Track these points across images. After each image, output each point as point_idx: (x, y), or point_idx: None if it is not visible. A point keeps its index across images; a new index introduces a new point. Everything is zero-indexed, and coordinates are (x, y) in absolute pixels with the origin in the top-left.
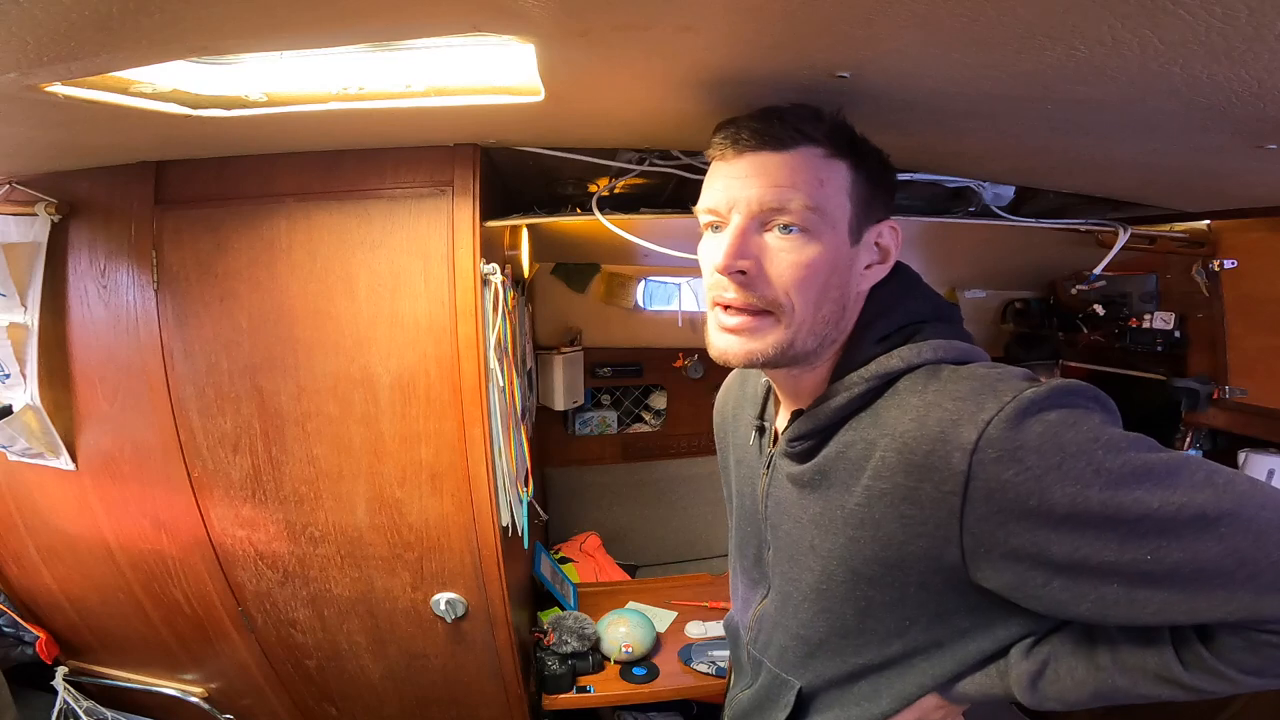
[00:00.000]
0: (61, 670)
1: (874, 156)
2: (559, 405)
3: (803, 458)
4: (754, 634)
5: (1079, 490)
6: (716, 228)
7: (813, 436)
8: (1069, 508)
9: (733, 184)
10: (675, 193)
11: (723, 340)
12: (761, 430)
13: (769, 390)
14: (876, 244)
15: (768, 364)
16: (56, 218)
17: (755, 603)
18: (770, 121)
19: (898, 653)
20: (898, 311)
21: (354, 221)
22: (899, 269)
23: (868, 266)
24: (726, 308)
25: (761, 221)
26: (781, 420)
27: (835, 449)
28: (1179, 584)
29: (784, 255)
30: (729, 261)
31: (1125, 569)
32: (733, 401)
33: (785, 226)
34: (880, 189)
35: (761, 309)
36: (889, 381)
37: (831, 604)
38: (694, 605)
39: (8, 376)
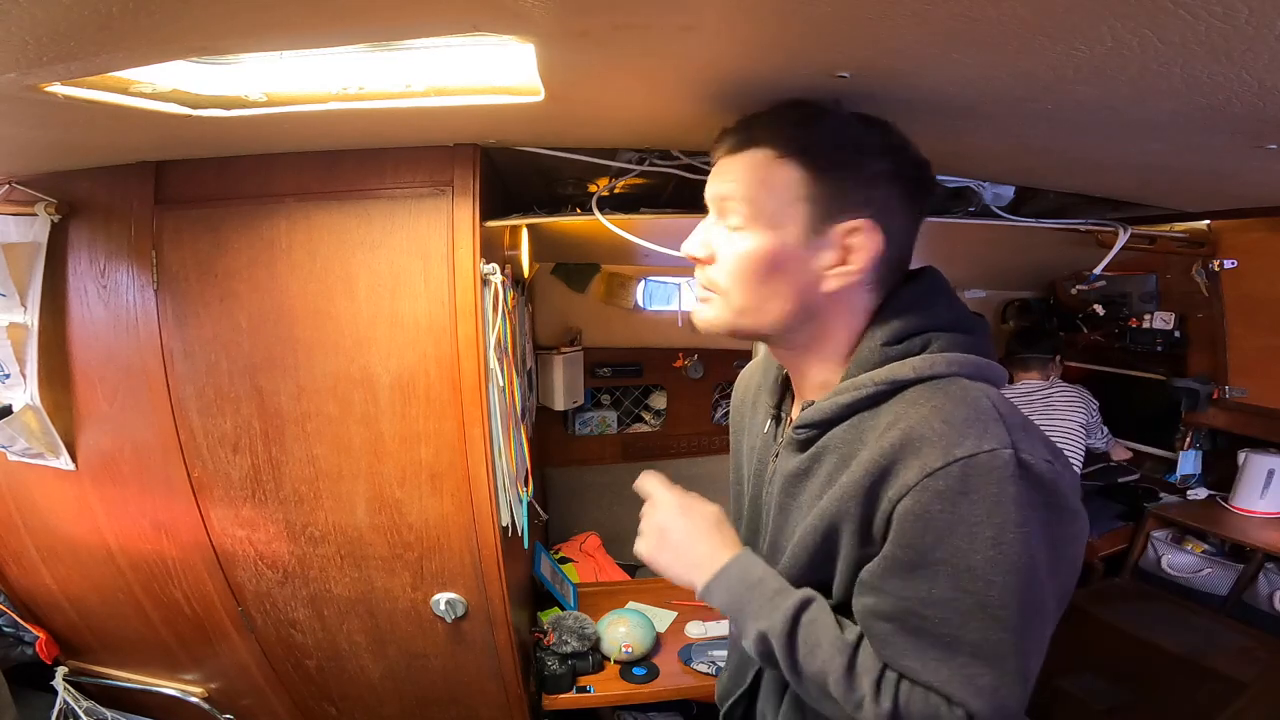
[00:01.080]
0: (61, 670)
1: (838, 151)
2: (559, 405)
3: (802, 446)
4: None
5: (967, 551)
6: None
7: (815, 427)
8: (947, 558)
9: (709, 184)
10: (675, 193)
11: (694, 305)
12: (778, 420)
13: (787, 381)
14: (845, 244)
15: (719, 331)
16: (56, 218)
17: None
18: (736, 129)
19: None
20: (914, 316)
21: (354, 221)
22: (926, 273)
23: (831, 268)
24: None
25: (719, 216)
26: (796, 410)
27: (831, 442)
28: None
29: (724, 247)
30: (684, 248)
31: (910, 615)
32: (753, 388)
33: (727, 222)
34: (844, 185)
35: (710, 288)
36: (899, 388)
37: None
38: (694, 605)
39: (7, 376)
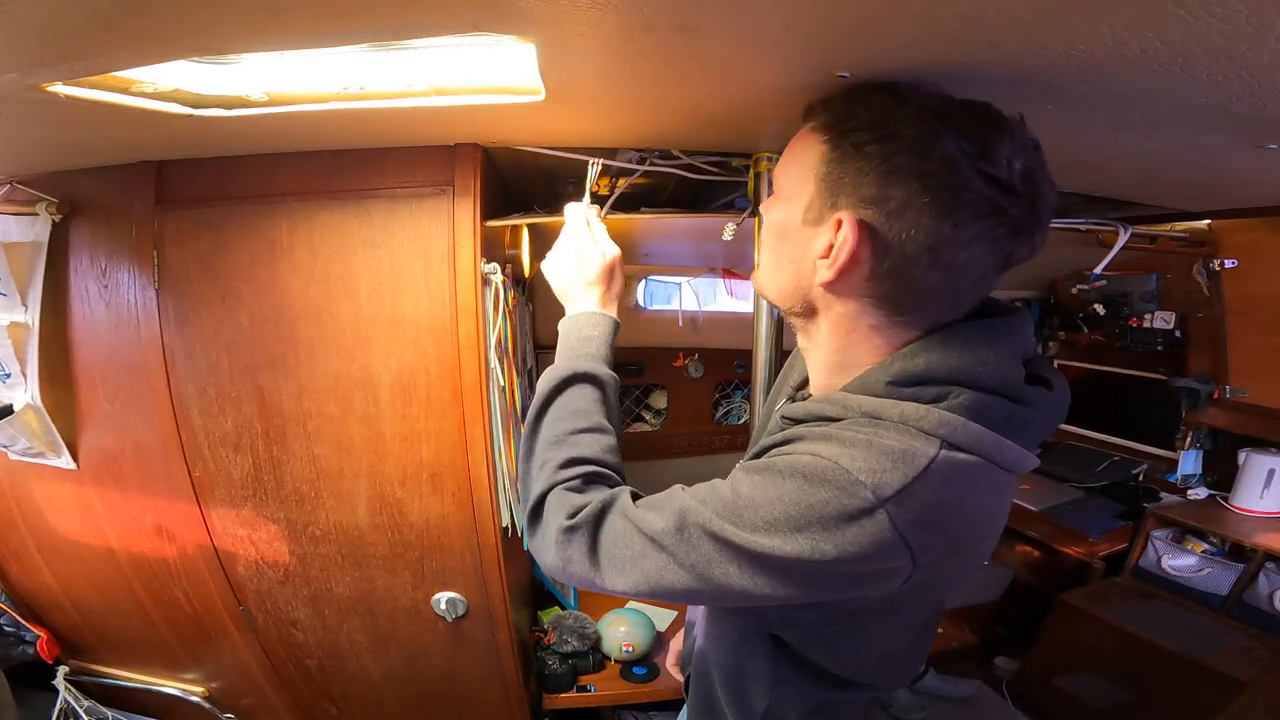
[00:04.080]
0: (62, 670)
1: (867, 138)
2: None
3: (779, 429)
4: None
5: (749, 485)
6: None
7: (790, 421)
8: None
9: None
10: (675, 192)
11: None
12: (792, 401)
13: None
14: (837, 237)
15: (755, 287)
16: (58, 217)
17: None
18: (812, 102)
19: None
20: (950, 358)
21: (355, 221)
22: (1006, 315)
23: (821, 256)
24: None
25: None
26: None
27: (783, 436)
28: None
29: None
30: (762, 206)
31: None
32: (788, 368)
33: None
34: (864, 175)
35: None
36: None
37: None
38: None
39: (8, 376)
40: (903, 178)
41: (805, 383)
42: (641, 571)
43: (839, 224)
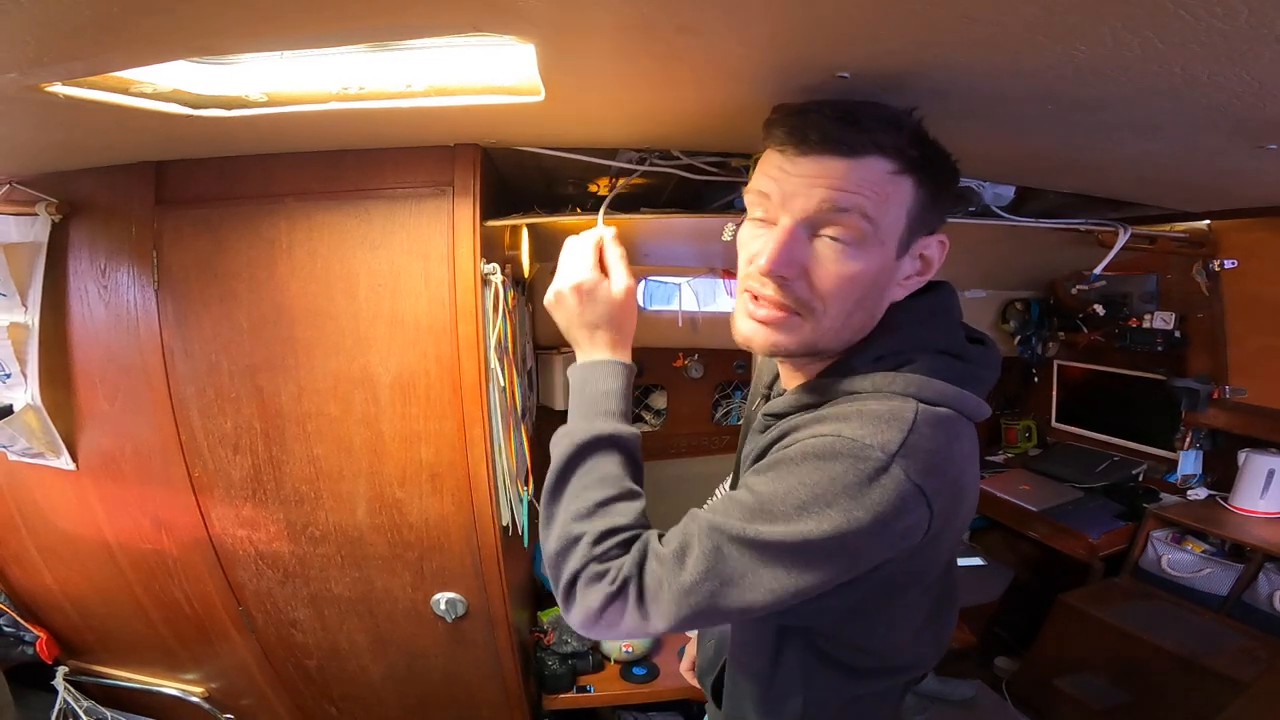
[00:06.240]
0: (62, 670)
1: (942, 168)
2: (559, 405)
3: (765, 431)
4: None
5: (775, 480)
6: (763, 220)
7: (774, 417)
8: (760, 474)
9: (789, 182)
10: (675, 192)
11: (748, 327)
12: (768, 399)
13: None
14: (921, 255)
15: (788, 356)
16: (57, 218)
17: None
18: (844, 126)
19: None
20: (903, 333)
21: (354, 221)
22: (939, 289)
23: (907, 277)
24: (757, 298)
25: (812, 226)
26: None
27: (776, 432)
28: None
29: (829, 265)
30: (771, 266)
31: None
32: (760, 368)
33: (836, 237)
34: (940, 201)
35: (793, 309)
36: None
37: None
38: None
39: (8, 376)
40: (952, 191)
41: (776, 378)
42: (690, 606)
43: (930, 245)
